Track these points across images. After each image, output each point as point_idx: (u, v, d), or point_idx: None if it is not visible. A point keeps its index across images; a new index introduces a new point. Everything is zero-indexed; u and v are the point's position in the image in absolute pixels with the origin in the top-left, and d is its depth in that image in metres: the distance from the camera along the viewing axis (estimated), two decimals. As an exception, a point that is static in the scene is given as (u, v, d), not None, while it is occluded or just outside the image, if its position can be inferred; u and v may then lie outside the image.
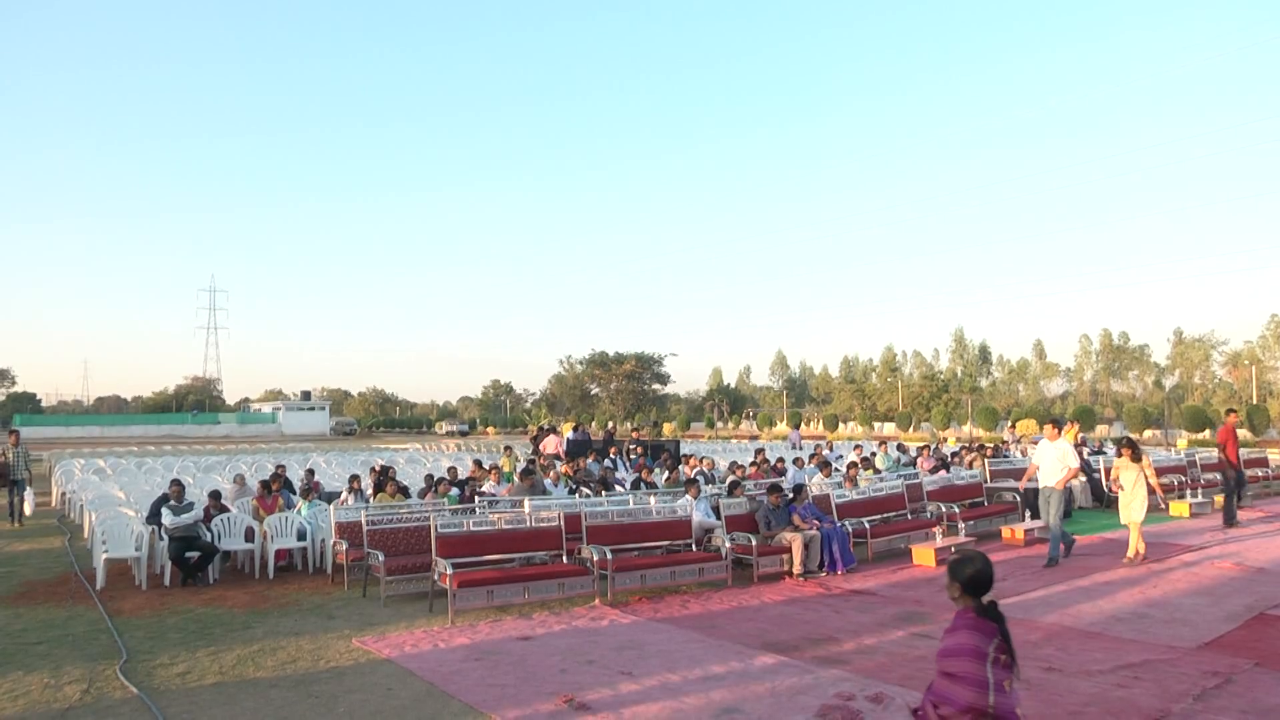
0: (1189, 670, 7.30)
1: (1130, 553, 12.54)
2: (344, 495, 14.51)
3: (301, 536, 12.81)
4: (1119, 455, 13.49)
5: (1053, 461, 13.14)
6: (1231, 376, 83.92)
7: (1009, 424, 59.95)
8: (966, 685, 4.03)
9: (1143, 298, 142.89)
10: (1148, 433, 65.48)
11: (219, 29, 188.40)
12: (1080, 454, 22.17)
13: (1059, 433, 13.40)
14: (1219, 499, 19.09)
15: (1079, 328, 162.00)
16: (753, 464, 19.50)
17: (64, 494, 21.44)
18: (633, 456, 22.61)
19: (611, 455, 22.07)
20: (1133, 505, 12.79)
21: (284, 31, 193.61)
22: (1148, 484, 12.98)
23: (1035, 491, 16.64)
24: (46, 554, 14.33)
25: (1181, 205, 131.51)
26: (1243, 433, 58.95)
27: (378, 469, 17.13)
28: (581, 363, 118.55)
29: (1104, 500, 19.68)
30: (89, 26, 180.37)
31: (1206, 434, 59.23)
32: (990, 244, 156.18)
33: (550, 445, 24.81)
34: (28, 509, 18.42)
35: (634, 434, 26.20)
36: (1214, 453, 26.47)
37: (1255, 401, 68.13)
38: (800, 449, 29.45)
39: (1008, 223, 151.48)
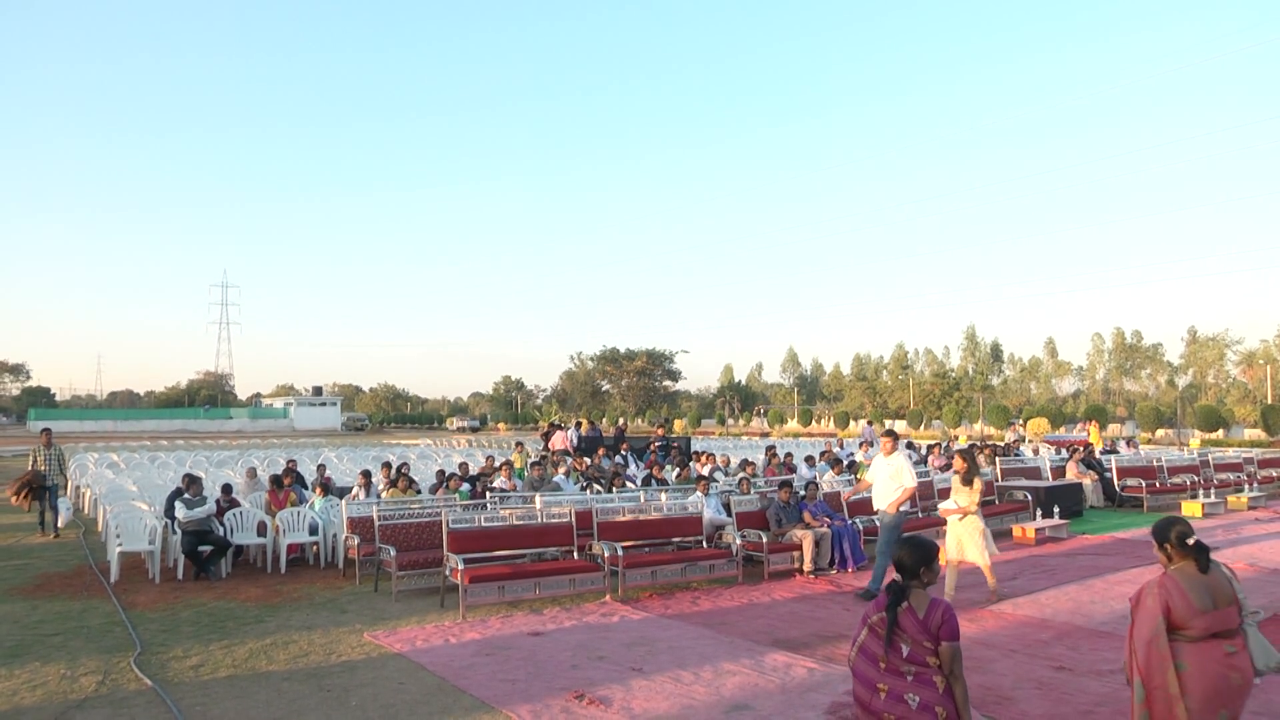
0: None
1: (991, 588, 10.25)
2: (355, 490, 14.56)
3: (313, 531, 12.87)
4: (954, 471, 10.91)
5: (885, 480, 10.90)
6: (1246, 376, 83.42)
7: (1016, 422, 59.62)
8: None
9: (1156, 296, 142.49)
10: (1160, 432, 65.17)
11: (231, 24, 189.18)
12: (1092, 453, 22.20)
13: (894, 445, 11.09)
14: (1232, 499, 19.06)
15: (1092, 326, 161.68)
16: (768, 464, 19.45)
17: (78, 488, 21.58)
18: (659, 454, 22.46)
19: (623, 451, 22.08)
20: (966, 543, 10.18)
21: (297, 27, 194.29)
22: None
23: (1047, 490, 16.68)
24: (61, 547, 14.43)
25: (1196, 203, 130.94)
26: (1257, 432, 58.72)
27: (389, 465, 17.17)
28: (593, 359, 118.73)
29: (1115, 499, 19.63)
30: (102, 20, 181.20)
31: (1220, 434, 58.97)
32: (1003, 242, 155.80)
33: (558, 441, 24.86)
34: (62, 519, 15.93)
35: (658, 431, 26.09)
36: (1227, 452, 26.45)
37: (1270, 401, 67.72)
38: (875, 444, 28.75)
39: (1021, 220, 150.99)
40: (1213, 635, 4.38)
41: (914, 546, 4.36)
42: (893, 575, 4.40)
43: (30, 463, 16.40)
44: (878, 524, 11.38)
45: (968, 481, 10.37)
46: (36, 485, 15.86)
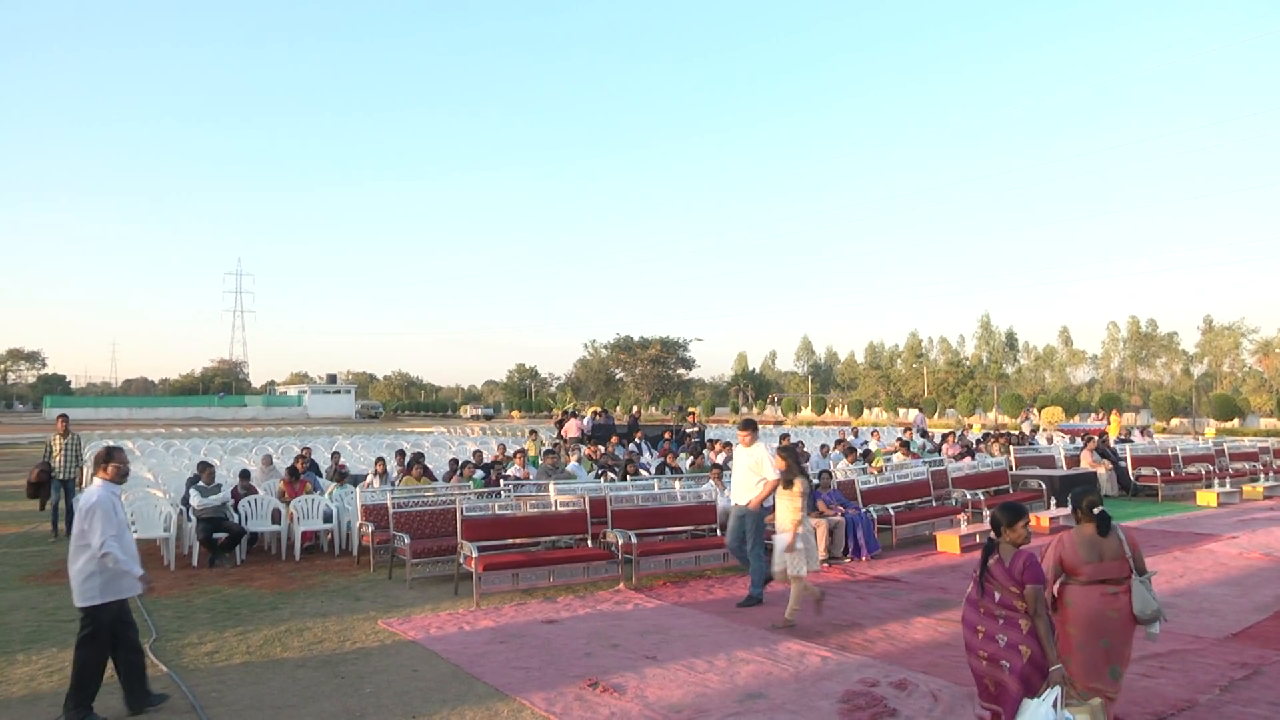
0: (1216, 661, 7.25)
1: (788, 612, 8.68)
2: (370, 478, 14.60)
3: (328, 519, 12.91)
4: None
5: (745, 473, 9.96)
6: (1262, 365, 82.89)
7: (1030, 409, 59.33)
8: None
9: (1172, 285, 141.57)
10: (1175, 421, 64.82)
11: (245, 14, 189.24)
12: (1106, 442, 22.10)
13: (754, 436, 10.14)
14: (1247, 488, 18.95)
15: (1107, 314, 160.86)
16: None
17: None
18: (694, 441, 22.37)
19: (637, 439, 22.07)
20: (790, 554, 8.71)
21: (311, 14, 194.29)
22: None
23: (1061, 479, 16.61)
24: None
25: (1212, 191, 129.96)
26: (1273, 421, 58.37)
27: (403, 453, 17.20)
28: (606, 347, 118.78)
29: (1130, 488, 19.53)
30: (117, 8, 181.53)
31: (1235, 423, 58.62)
32: (1018, 230, 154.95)
33: (571, 429, 24.88)
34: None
35: (691, 417, 25.97)
36: (1242, 441, 26.28)
37: (1286, 390, 67.32)
38: (927, 435, 28.50)
39: (1036, 209, 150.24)
40: (1100, 581, 5.41)
41: (1006, 508, 5.19)
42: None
43: (44, 453, 14.73)
44: (733, 523, 10.13)
45: (788, 484, 9.02)
46: (43, 481, 14.29)
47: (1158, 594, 5.49)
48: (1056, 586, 5.59)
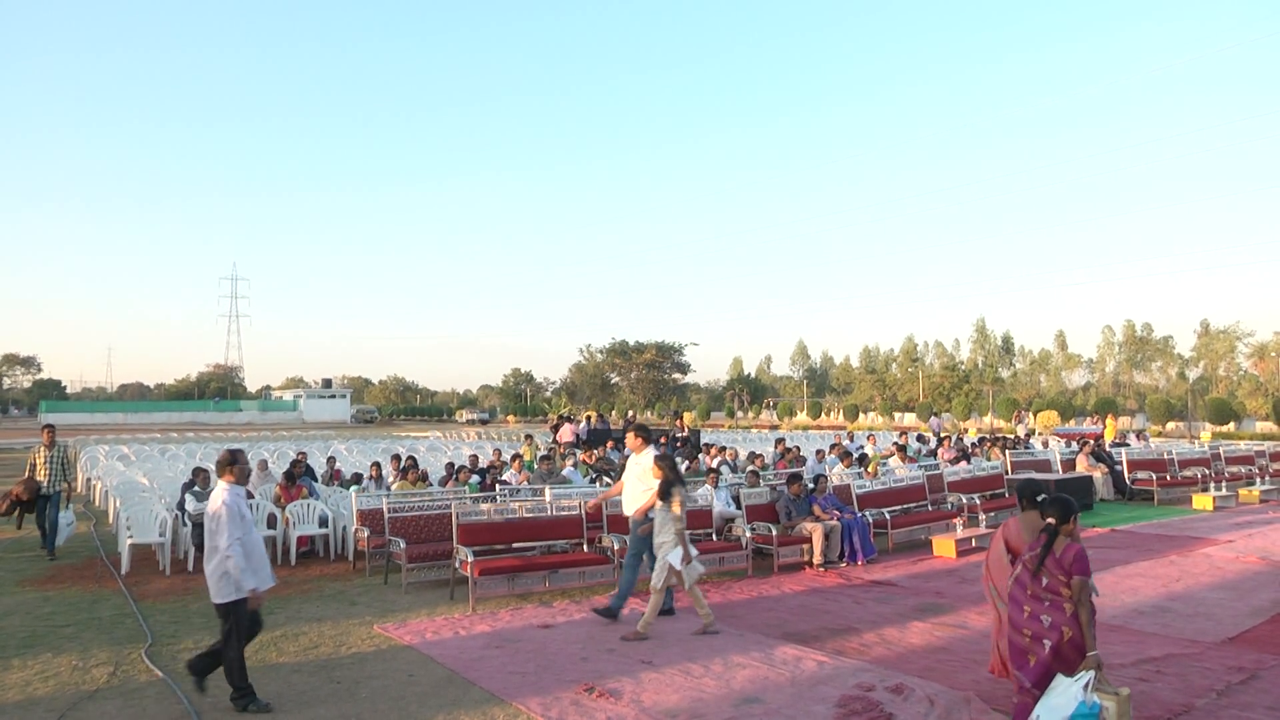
0: (1212, 665, 7.24)
1: (641, 625, 8.32)
2: (366, 482, 14.58)
3: (323, 523, 12.89)
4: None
5: (634, 481, 9.30)
6: (1257, 369, 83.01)
7: (1024, 412, 59.33)
8: None
9: (1167, 289, 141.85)
10: (1171, 425, 64.91)
11: (240, 18, 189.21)
12: (1102, 446, 22.13)
13: (645, 442, 9.55)
14: (1243, 492, 18.98)
15: (1102, 319, 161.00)
16: (781, 457, 19.39)
17: (89, 480, 21.66)
18: (669, 447, 22.40)
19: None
20: (687, 565, 8.41)
21: (307, 21, 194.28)
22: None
23: (1057, 483, 16.62)
24: (73, 538, 14.42)
25: (1208, 196, 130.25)
26: (1269, 425, 58.44)
27: (399, 457, 17.19)
28: (602, 351, 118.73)
29: (1126, 492, 19.55)
30: (111, 12, 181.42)
31: (1231, 427, 58.70)
32: (1013, 234, 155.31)
33: (566, 434, 24.86)
34: (62, 537, 13.20)
35: (679, 423, 26.05)
36: (1238, 445, 26.32)
37: (1281, 394, 67.42)
38: (942, 437, 28.39)
39: (1031, 213, 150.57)
40: None
41: (1062, 504, 5.59)
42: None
43: (27, 468, 13.59)
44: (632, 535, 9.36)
45: (665, 495, 8.54)
46: (28, 498, 13.24)
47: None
48: (1000, 562, 6.36)
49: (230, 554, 6.24)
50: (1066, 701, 4.98)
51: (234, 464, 6.62)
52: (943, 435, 28.27)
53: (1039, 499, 6.07)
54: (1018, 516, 6.37)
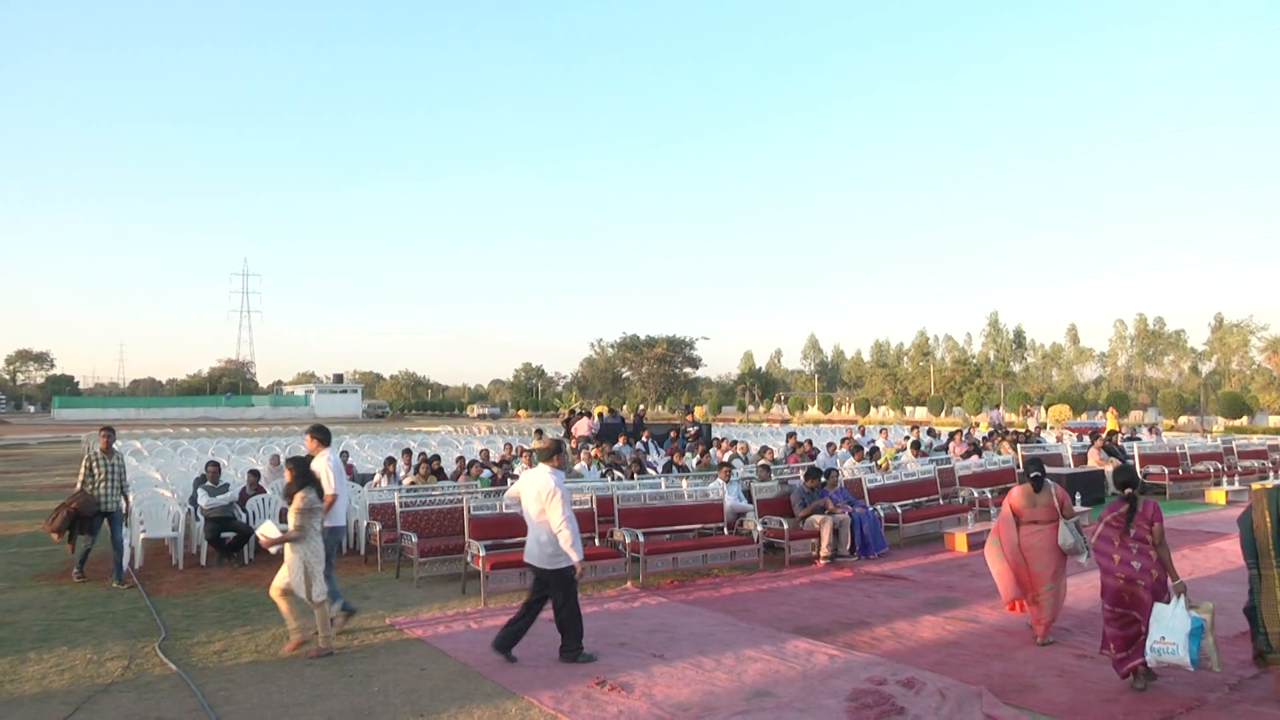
0: (1225, 659, 7.19)
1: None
2: (378, 477, 14.62)
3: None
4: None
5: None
6: (1270, 363, 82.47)
7: (1032, 406, 59.09)
8: None
9: (1179, 283, 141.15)
10: (1183, 419, 64.59)
11: (250, 15, 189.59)
12: (1114, 440, 22.04)
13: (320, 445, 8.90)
14: (1256, 486, 18.87)
15: (1114, 312, 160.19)
16: (793, 451, 19.37)
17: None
18: (680, 440, 22.38)
19: (644, 438, 22.06)
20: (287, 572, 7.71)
21: (318, 17, 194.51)
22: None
23: (1068, 477, 16.56)
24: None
25: (1221, 189, 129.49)
26: (1278, 419, 58.11)
27: (410, 452, 17.22)
28: (613, 346, 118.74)
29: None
30: (124, 8, 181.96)
31: (1244, 421, 58.41)
32: (1026, 227, 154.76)
33: (581, 428, 24.85)
34: (128, 557, 11.14)
35: (690, 417, 26.06)
36: (1251, 439, 26.19)
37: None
38: (1001, 429, 27.90)
39: (1044, 206, 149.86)
40: (1032, 521, 7.95)
41: (1128, 471, 7.19)
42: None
43: (80, 480, 11.04)
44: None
45: (289, 496, 7.84)
46: (87, 515, 10.75)
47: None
48: (1006, 522, 8.13)
49: (564, 530, 7.21)
50: (1180, 620, 6.17)
51: (559, 452, 7.74)
52: (1000, 427, 28.19)
53: (1032, 475, 8.16)
54: (1020, 488, 8.21)
